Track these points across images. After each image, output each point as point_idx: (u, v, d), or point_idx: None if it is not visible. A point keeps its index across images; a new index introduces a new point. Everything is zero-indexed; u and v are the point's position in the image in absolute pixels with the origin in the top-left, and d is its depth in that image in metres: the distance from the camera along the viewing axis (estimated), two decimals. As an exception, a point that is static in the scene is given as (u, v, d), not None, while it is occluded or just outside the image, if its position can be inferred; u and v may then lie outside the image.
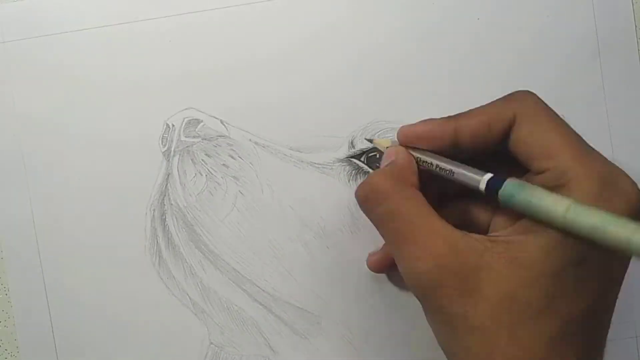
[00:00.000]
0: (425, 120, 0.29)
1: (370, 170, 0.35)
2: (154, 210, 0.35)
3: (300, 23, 0.35)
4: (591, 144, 0.35)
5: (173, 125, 0.35)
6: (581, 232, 0.24)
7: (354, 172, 0.35)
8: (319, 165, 0.35)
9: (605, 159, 0.26)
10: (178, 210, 0.35)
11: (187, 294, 0.36)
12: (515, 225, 0.26)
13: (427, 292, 0.26)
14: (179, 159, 0.35)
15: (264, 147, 0.35)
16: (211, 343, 0.36)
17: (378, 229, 0.28)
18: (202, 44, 0.35)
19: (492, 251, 0.25)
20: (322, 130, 0.35)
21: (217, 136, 0.35)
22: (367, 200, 0.28)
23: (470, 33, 0.35)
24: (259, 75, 0.35)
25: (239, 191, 0.35)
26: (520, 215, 0.26)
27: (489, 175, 0.27)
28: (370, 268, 0.34)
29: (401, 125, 0.30)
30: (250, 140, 0.35)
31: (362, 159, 0.35)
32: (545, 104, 0.27)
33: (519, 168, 0.27)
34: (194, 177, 0.35)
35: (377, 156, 0.35)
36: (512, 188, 0.26)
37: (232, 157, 0.35)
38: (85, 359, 0.36)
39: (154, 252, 0.35)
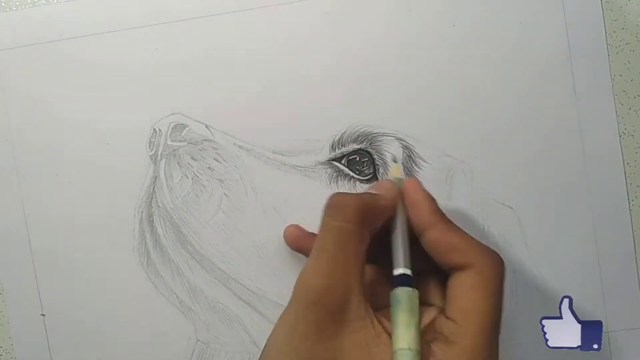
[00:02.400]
0: (427, 196, 0.31)
1: (351, 173, 0.37)
2: (142, 212, 0.37)
3: (281, 30, 0.37)
4: (562, 148, 0.36)
5: (160, 130, 0.37)
6: None
7: (335, 174, 0.37)
8: (301, 168, 0.37)
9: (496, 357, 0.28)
10: (165, 212, 0.37)
11: (175, 293, 0.37)
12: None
13: (300, 297, 0.28)
14: (165, 162, 0.37)
15: (247, 150, 0.37)
16: (198, 340, 0.37)
17: (319, 231, 0.30)
18: (188, 51, 0.37)
19: (365, 326, 0.28)
20: (304, 134, 0.37)
21: (203, 140, 0.37)
22: (330, 208, 0.30)
23: (446, 40, 0.36)
24: (243, 81, 0.37)
25: (224, 193, 0.37)
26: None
27: (400, 271, 0.29)
28: (285, 238, 0.36)
29: (412, 178, 0.33)
30: (234, 144, 0.37)
31: (342, 161, 0.37)
32: (501, 275, 0.29)
33: None
34: (180, 179, 0.37)
35: (357, 159, 0.36)
36: (402, 295, 0.28)
37: (217, 161, 0.37)
38: (77, 355, 0.37)
39: (142, 252, 0.37)
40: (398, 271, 0.29)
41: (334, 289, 0.27)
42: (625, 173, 0.37)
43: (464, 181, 0.36)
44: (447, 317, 0.28)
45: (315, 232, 0.30)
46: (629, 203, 0.36)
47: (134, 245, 0.37)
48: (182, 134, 0.37)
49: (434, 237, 0.29)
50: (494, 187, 0.36)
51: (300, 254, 0.36)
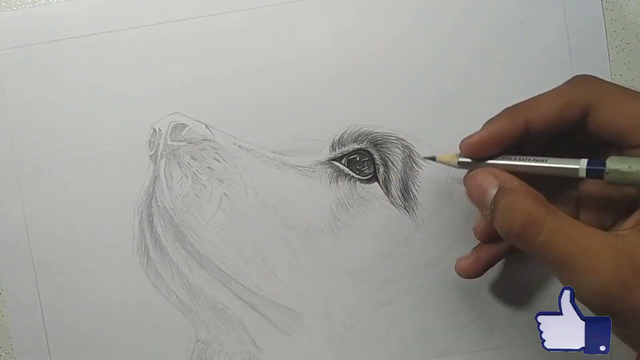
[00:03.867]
0: (486, 125, 0.29)
1: (351, 173, 0.37)
2: (141, 212, 0.37)
3: (282, 31, 0.37)
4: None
5: (160, 130, 0.37)
6: None
7: (335, 174, 0.37)
8: (301, 168, 0.37)
9: None
10: (165, 211, 0.36)
11: (175, 293, 0.37)
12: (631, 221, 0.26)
13: (615, 299, 0.25)
14: (165, 162, 0.37)
15: (248, 150, 0.37)
16: (198, 340, 0.37)
17: (539, 255, 0.26)
18: (187, 51, 0.37)
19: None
20: (304, 134, 0.37)
21: (203, 140, 0.37)
22: (525, 233, 0.26)
23: (446, 40, 0.36)
24: (243, 81, 0.37)
25: (224, 193, 0.36)
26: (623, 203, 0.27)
27: (584, 160, 0.27)
28: (460, 273, 0.32)
29: (462, 140, 0.30)
30: (234, 143, 0.37)
31: (342, 161, 0.37)
32: (613, 83, 0.28)
33: (586, 150, 0.28)
34: (180, 179, 0.36)
35: (357, 159, 0.36)
36: (617, 163, 0.26)
37: (217, 160, 0.37)
38: (77, 356, 0.37)
39: (142, 252, 0.37)
40: (584, 164, 0.27)
41: (615, 249, 0.25)
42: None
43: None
44: (637, 146, 0.26)
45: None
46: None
47: (133, 245, 0.37)
48: (182, 134, 0.36)
49: (540, 120, 0.28)
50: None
51: (296, 260, 0.36)
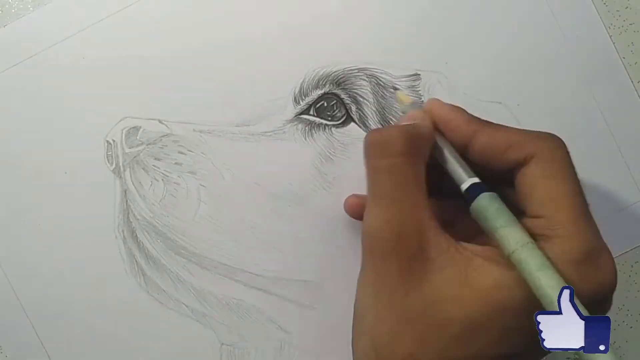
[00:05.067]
0: (455, 109, 0.28)
1: (323, 121, 0.34)
2: (122, 231, 0.34)
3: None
4: (538, 27, 0.33)
5: (114, 141, 0.34)
6: (520, 272, 0.24)
7: (307, 128, 0.34)
8: (271, 133, 0.34)
9: (599, 232, 0.25)
10: (146, 223, 0.34)
11: (183, 303, 0.34)
12: (487, 247, 0.26)
13: (374, 251, 0.26)
14: (130, 172, 0.34)
15: (210, 132, 0.34)
16: (222, 344, 0.34)
17: (368, 177, 0.27)
18: (116, 49, 0.34)
19: (452, 257, 0.25)
20: (262, 97, 0.34)
21: (161, 137, 0.34)
22: (374, 147, 0.27)
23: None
24: (183, 64, 0.34)
25: (200, 185, 0.34)
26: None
27: (475, 180, 0.26)
28: (347, 211, 0.33)
29: (431, 98, 0.29)
30: (194, 130, 0.34)
31: (311, 112, 0.34)
32: (568, 155, 0.26)
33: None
34: (151, 185, 0.34)
35: (325, 104, 0.34)
36: (485, 201, 0.25)
37: (182, 153, 0.34)
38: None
39: (137, 272, 0.34)
40: (467, 183, 0.26)
41: (406, 232, 0.25)
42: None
43: (443, 91, 0.34)
44: (532, 217, 0.25)
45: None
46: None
47: (125, 268, 0.34)
48: (138, 137, 0.34)
49: (484, 142, 0.27)
50: (475, 87, 0.34)
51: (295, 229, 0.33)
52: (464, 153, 0.28)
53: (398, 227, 0.25)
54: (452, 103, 0.33)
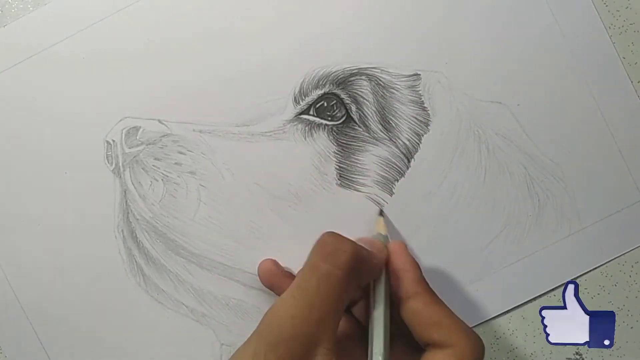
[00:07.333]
0: (413, 264, 0.30)
1: (323, 121, 0.34)
2: (122, 230, 0.34)
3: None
4: (538, 26, 0.33)
5: (113, 141, 0.34)
6: None
7: (306, 128, 0.34)
8: (271, 133, 0.34)
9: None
10: (146, 223, 0.34)
11: (182, 303, 0.34)
12: None
13: (264, 332, 0.26)
14: (130, 172, 0.34)
15: (210, 132, 0.34)
16: (222, 344, 0.34)
17: (304, 268, 0.27)
18: (116, 49, 0.34)
19: None
20: (261, 96, 0.34)
21: (160, 137, 0.34)
22: (324, 248, 0.28)
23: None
24: (184, 64, 0.34)
25: (200, 185, 0.34)
26: None
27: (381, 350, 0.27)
28: (260, 275, 0.33)
29: (399, 242, 0.31)
30: (194, 130, 0.34)
31: (310, 112, 0.34)
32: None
33: None
34: (151, 185, 0.34)
35: (325, 104, 0.34)
36: None
37: (182, 153, 0.34)
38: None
39: (136, 272, 0.34)
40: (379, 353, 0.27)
41: (304, 336, 0.25)
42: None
43: (443, 91, 0.34)
44: None
45: (293, 269, 0.30)
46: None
47: (124, 268, 0.34)
48: (138, 137, 0.34)
49: (416, 308, 0.28)
50: (475, 87, 0.34)
51: (296, 229, 0.33)
52: (397, 305, 0.29)
53: (299, 328, 0.25)
54: (452, 104, 0.33)
